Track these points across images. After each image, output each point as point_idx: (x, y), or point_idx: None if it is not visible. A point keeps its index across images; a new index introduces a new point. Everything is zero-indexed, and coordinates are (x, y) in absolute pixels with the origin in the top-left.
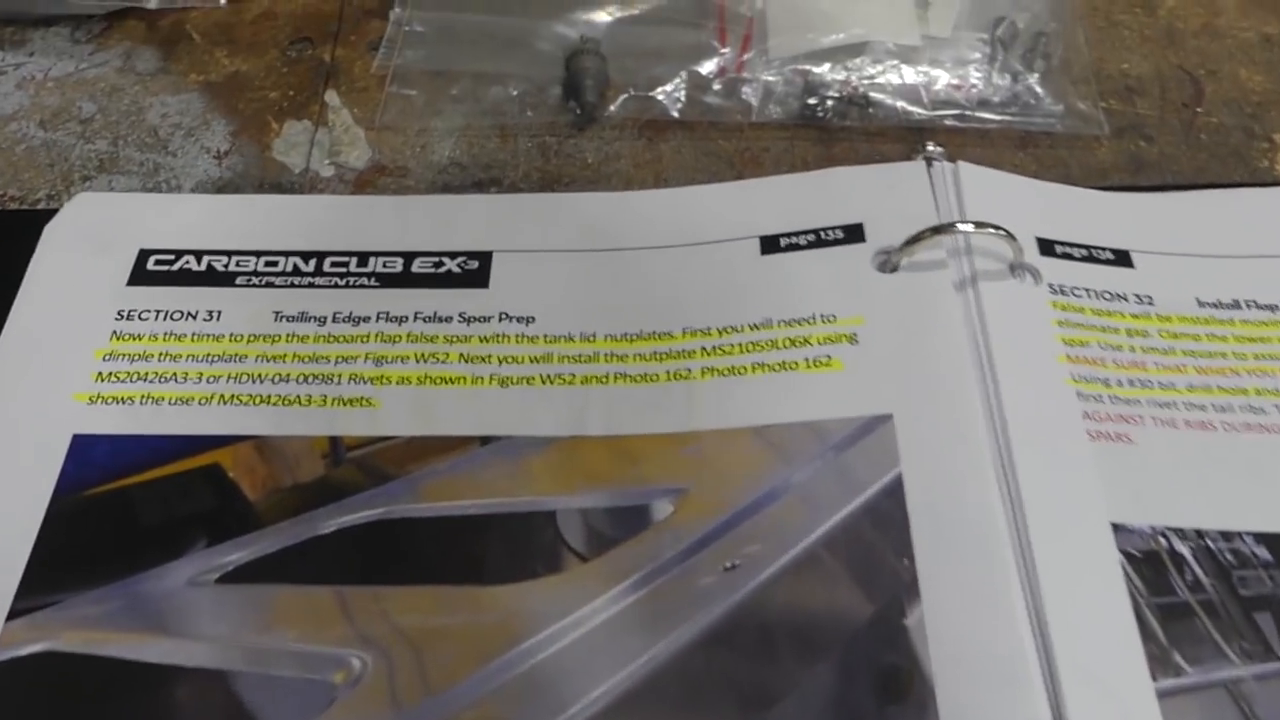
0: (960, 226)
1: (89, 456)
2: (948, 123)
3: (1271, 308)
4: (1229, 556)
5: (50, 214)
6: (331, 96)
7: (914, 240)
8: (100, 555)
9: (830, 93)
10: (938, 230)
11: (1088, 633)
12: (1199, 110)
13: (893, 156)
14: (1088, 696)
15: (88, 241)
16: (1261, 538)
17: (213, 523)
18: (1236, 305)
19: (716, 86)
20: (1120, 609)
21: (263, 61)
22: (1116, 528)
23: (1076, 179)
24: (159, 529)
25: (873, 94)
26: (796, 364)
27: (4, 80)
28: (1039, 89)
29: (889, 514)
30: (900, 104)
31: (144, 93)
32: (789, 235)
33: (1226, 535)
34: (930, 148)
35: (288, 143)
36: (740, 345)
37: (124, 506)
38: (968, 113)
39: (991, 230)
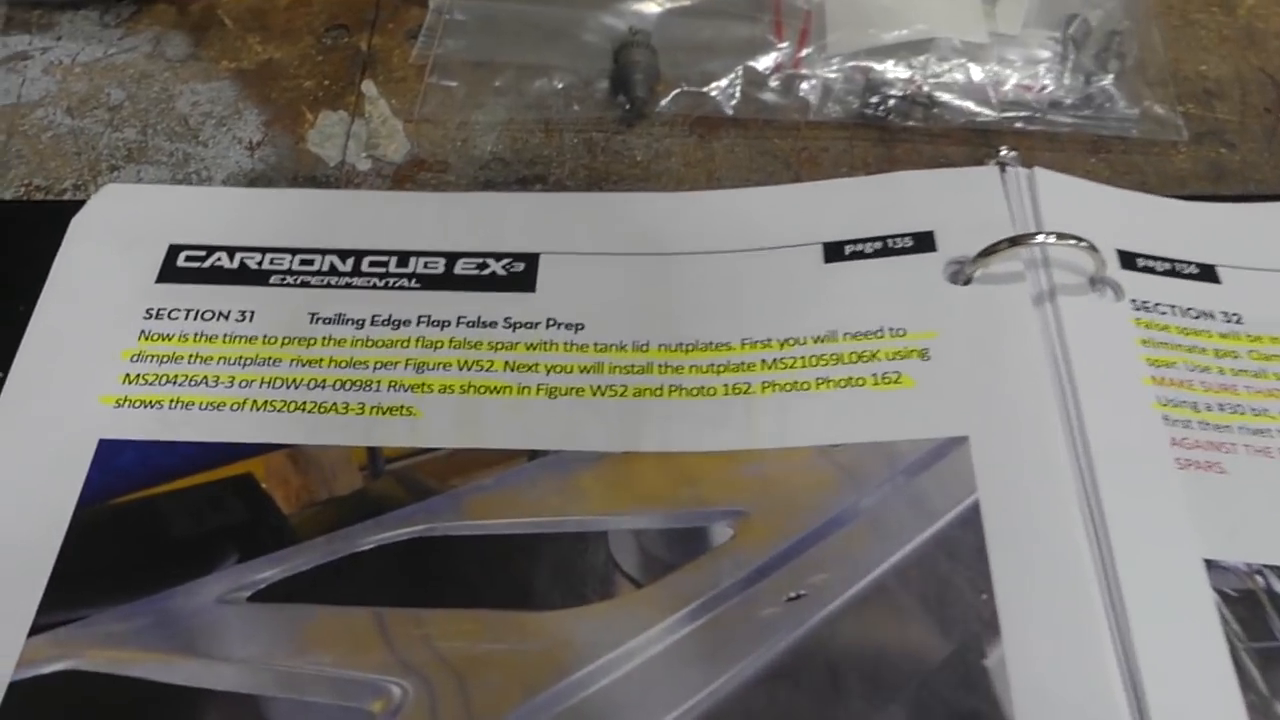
0: (1039, 238)
1: (115, 463)
2: (1016, 125)
3: None
4: None
5: (77, 205)
6: (369, 87)
7: (989, 251)
8: (127, 569)
9: (892, 91)
10: (1015, 241)
11: (1182, 679)
12: None
13: (957, 159)
14: None
15: (115, 236)
16: None
17: (245, 537)
18: None
19: (773, 83)
20: (1216, 654)
21: (297, 49)
22: (1210, 564)
23: (1154, 187)
24: (188, 542)
25: (937, 93)
26: (864, 380)
27: (31, 65)
28: (1113, 91)
29: (965, 544)
30: (967, 104)
31: (174, 80)
32: (854, 242)
33: None
34: (1003, 152)
35: (323, 134)
36: (803, 359)
37: (152, 517)
38: (1038, 115)
39: (1073, 242)
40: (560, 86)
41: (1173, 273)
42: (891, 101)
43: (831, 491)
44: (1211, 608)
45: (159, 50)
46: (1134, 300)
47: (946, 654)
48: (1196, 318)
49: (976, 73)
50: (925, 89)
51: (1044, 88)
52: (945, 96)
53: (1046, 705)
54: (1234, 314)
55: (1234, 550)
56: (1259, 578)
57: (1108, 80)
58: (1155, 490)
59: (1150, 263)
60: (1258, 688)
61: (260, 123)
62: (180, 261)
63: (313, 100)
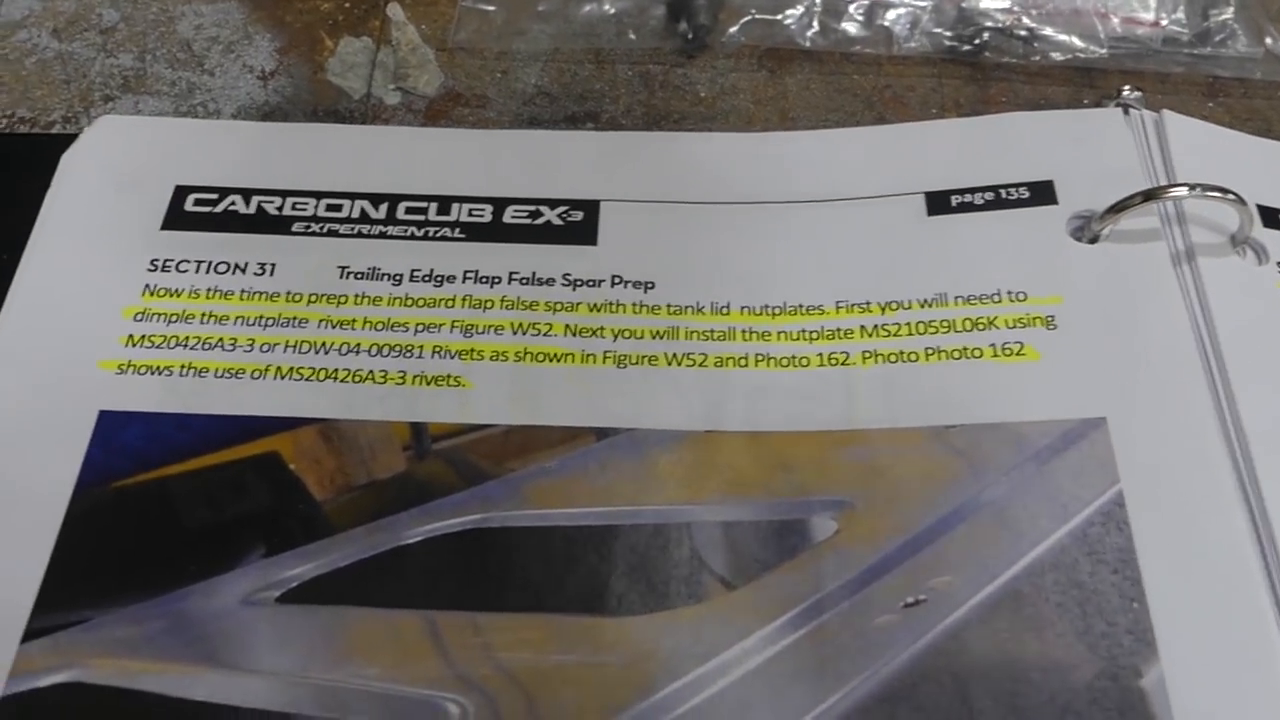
0: (1177, 190)
1: (119, 439)
2: (1126, 64)
3: None
4: None
5: (68, 139)
6: (394, 10)
7: (1121, 206)
8: (135, 563)
9: (988, 23)
10: (1150, 195)
11: None
12: None
13: (1059, 100)
14: None
15: (114, 175)
16: None
17: (271, 526)
18: None
19: (854, 11)
20: None
21: None
22: None
23: (1279, 135)
24: (206, 532)
25: (1038, 26)
26: (981, 351)
27: None
28: (1234, 25)
29: (1109, 543)
30: (1070, 38)
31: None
32: (961, 192)
33: None
34: (1126, 91)
35: (344, 63)
36: (908, 325)
37: (162, 502)
38: (1148, 51)
39: (1218, 195)
40: (612, 12)
41: None
42: (986, 35)
43: (949, 480)
44: None
45: None
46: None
47: (1094, 673)
48: None
49: (1082, 3)
50: (1025, 21)
51: (1156, 21)
52: (1046, 30)
53: None
54: None
55: None
56: None
57: (1228, 13)
58: None
59: None
60: None
61: (273, 49)
62: (188, 205)
63: (332, 25)
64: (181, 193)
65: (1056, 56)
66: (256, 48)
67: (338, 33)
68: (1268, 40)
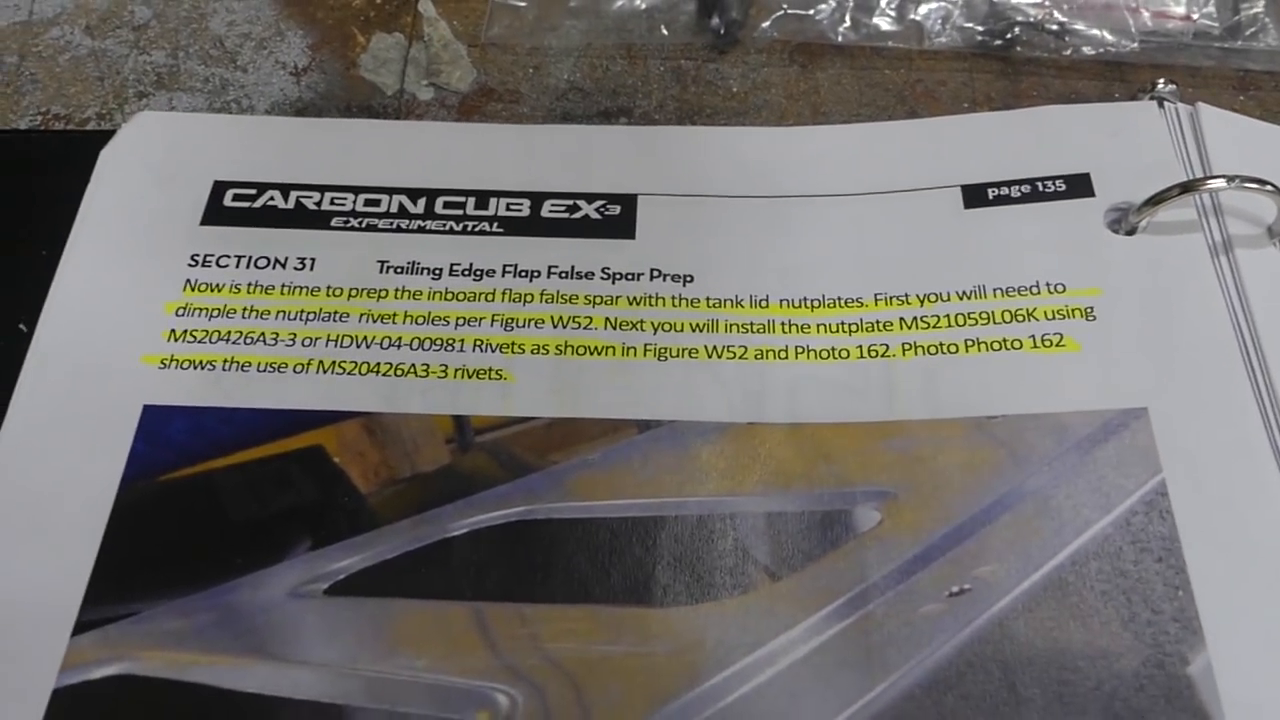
0: (1217, 183)
1: (164, 433)
2: (1158, 59)
3: None
4: None
5: (105, 136)
6: (426, 6)
7: (1158, 198)
8: (182, 556)
9: (1019, 18)
10: (1188, 187)
11: None
12: None
13: (1089, 94)
14: None
15: (152, 171)
16: None
17: (317, 520)
18: None
19: (887, 6)
20: None
21: None
22: None
23: None
24: (252, 525)
25: (1069, 21)
26: (1020, 342)
27: None
28: (1265, 18)
29: (1153, 532)
30: (1101, 33)
31: None
32: (998, 185)
33: None
34: (1161, 84)
35: (376, 59)
36: (948, 317)
37: (208, 495)
38: (1179, 45)
39: (1255, 186)
40: (644, 7)
41: None
42: (1017, 29)
43: (992, 470)
44: None
45: None
46: None
47: (1140, 660)
48: None
49: None
50: (1056, 15)
51: (1187, 15)
52: (1078, 24)
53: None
54: None
55: None
56: None
57: (1259, 7)
58: None
59: None
60: None
61: (305, 45)
62: (227, 201)
63: (364, 21)
64: (220, 188)
65: (1087, 51)
66: (289, 44)
67: (370, 29)
68: None
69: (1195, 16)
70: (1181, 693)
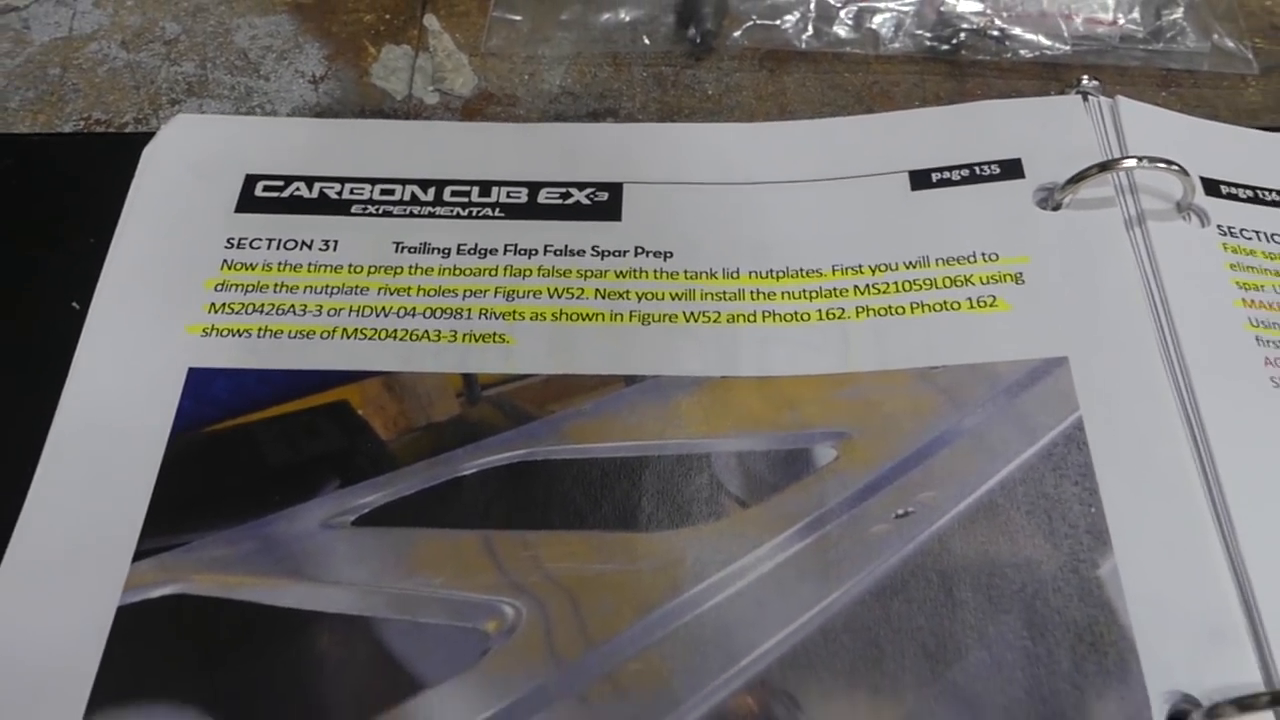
0: (1129, 163)
1: (207, 392)
2: (1088, 59)
3: None
4: None
5: (141, 137)
6: (430, 20)
7: (1079, 177)
8: (227, 495)
9: (964, 25)
10: (1105, 166)
11: None
12: None
13: (1029, 93)
14: None
15: (190, 166)
16: None
17: (344, 463)
18: None
19: (845, 16)
20: None
21: None
22: None
23: (1225, 120)
24: (287, 468)
25: (1009, 27)
26: (959, 304)
27: None
28: (1183, 24)
29: (1070, 460)
30: (1038, 37)
31: (229, 13)
32: (940, 170)
33: None
34: (1085, 80)
35: (387, 68)
36: (896, 284)
37: (248, 444)
38: (1108, 48)
39: (1163, 166)
40: (628, 19)
41: (1255, 199)
42: (963, 35)
43: (933, 413)
44: None
45: None
46: (1220, 226)
47: (1058, 566)
48: None
49: (1048, 5)
50: (997, 22)
51: (1114, 21)
52: (1016, 30)
53: (1161, 612)
54: None
55: None
56: None
57: (1177, 13)
58: (1254, 409)
59: (1233, 189)
60: None
61: (322, 56)
62: (258, 191)
63: (374, 34)
64: (251, 180)
65: (1025, 54)
66: (306, 55)
67: (380, 41)
68: (1214, 37)
69: (1121, 22)
70: (1092, 591)
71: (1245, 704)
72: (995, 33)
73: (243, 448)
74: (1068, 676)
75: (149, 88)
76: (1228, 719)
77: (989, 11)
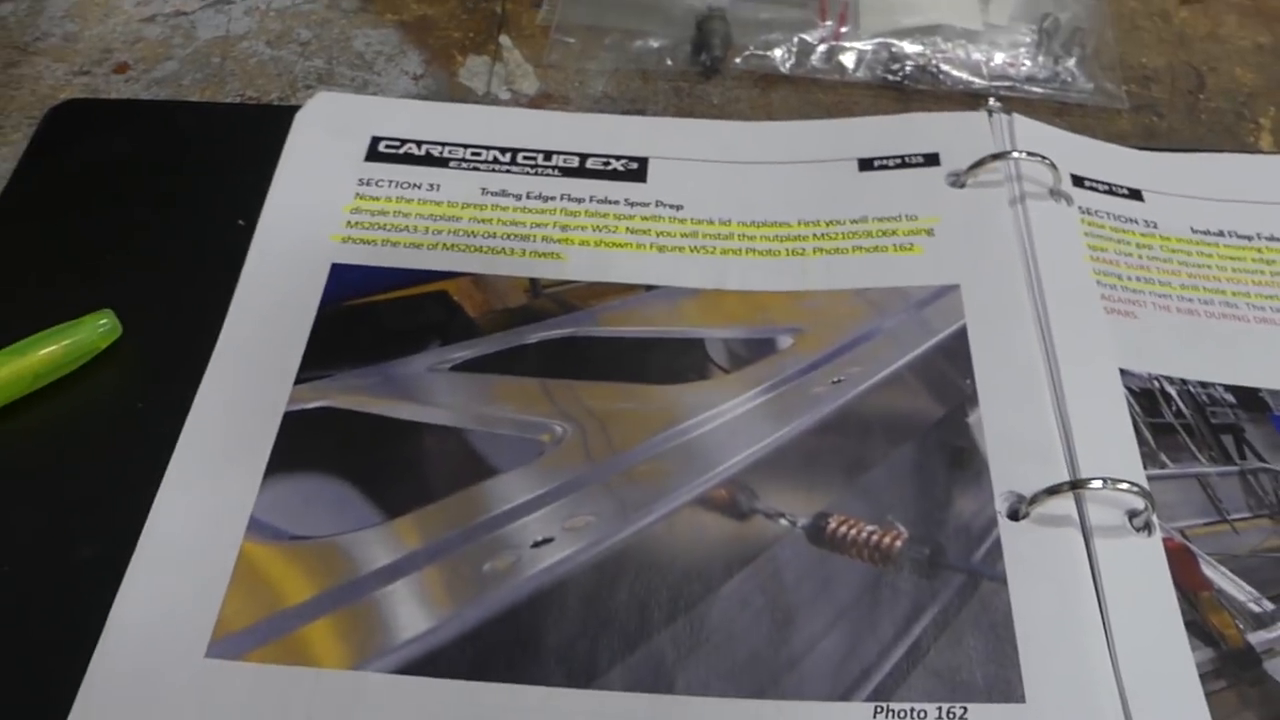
0: (1014, 155)
1: (346, 279)
2: (1001, 92)
3: (1247, 237)
4: (1204, 397)
5: (285, 110)
6: (504, 40)
7: (978, 164)
8: (360, 346)
9: (909, 62)
10: (997, 157)
11: (1099, 429)
12: (1201, 96)
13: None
14: (1097, 471)
15: (330, 129)
16: (1229, 388)
17: (443, 330)
18: (1221, 234)
19: (821, 49)
20: (1124, 421)
21: (445, 9)
22: (1123, 371)
23: (1100, 139)
24: (403, 332)
25: (942, 66)
26: (887, 248)
27: (234, 8)
28: (1075, 71)
29: (956, 350)
30: (964, 75)
31: (349, 26)
32: (881, 159)
33: (1204, 384)
34: (991, 102)
35: (470, 71)
36: (843, 234)
37: (375, 315)
38: (1017, 85)
39: (1039, 159)
40: (655, 46)
41: (1110, 192)
42: (908, 69)
43: (864, 317)
44: (1122, 395)
45: (335, 3)
46: (1081, 207)
47: (941, 415)
48: (1125, 223)
49: (973, 51)
50: (934, 62)
51: (1023, 65)
52: (947, 68)
53: (1006, 444)
54: (1152, 222)
55: (1141, 364)
56: (1156, 382)
57: (1071, 63)
58: (1089, 324)
59: (1094, 184)
60: (1150, 443)
61: (421, 60)
62: (381, 148)
63: (461, 47)
64: (376, 140)
65: (954, 86)
66: (409, 59)
67: (465, 52)
68: (1098, 81)
69: (1029, 66)
70: (963, 431)
71: (1053, 490)
72: (932, 69)
73: (371, 317)
74: (942, 484)
75: (288, 76)
76: (1040, 503)
77: (928, 53)
